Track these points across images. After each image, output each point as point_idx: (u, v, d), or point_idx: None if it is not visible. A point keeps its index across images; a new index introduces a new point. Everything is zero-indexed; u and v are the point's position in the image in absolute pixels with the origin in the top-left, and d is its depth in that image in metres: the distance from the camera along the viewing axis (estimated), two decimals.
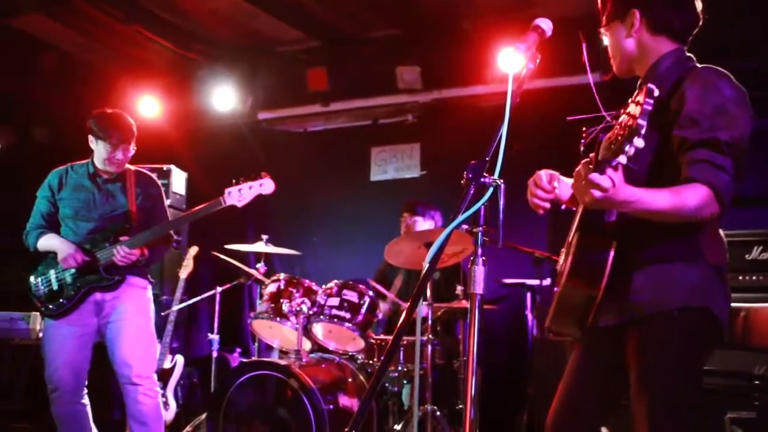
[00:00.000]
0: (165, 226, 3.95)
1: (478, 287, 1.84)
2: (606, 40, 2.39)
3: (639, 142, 1.71)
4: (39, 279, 3.98)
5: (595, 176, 1.76)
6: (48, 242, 3.98)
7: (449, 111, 6.08)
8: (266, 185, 3.90)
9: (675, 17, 2.26)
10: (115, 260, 3.82)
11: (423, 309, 4.21)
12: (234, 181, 3.90)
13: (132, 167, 4.17)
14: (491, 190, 1.85)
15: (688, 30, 2.29)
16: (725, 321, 2.15)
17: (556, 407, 2.34)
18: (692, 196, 1.97)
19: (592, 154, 2.08)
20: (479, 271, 1.85)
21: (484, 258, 1.86)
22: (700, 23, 2.29)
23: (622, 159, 1.73)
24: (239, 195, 3.86)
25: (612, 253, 2.09)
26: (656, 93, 1.75)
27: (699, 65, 2.23)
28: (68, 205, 4.03)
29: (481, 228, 1.86)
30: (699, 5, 2.28)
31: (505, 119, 2.00)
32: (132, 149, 4.01)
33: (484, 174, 1.87)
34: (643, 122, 1.70)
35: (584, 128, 2.29)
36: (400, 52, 6.14)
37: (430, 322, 4.27)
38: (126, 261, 3.83)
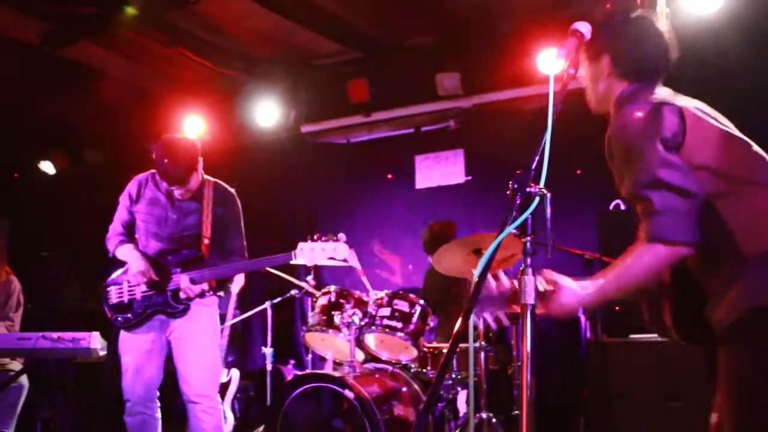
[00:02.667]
0: (228, 270, 3.90)
1: (529, 297, 1.84)
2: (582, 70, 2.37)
3: None
4: (113, 288, 3.99)
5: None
6: (125, 253, 3.96)
7: (491, 115, 6.07)
8: (340, 250, 3.68)
9: (642, 60, 2.26)
10: (180, 293, 3.82)
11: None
12: (310, 237, 3.70)
13: (210, 179, 4.07)
14: (537, 199, 1.84)
15: (656, 70, 2.26)
16: None
17: None
18: (640, 264, 2.01)
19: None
20: (529, 281, 1.84)
21: (533, 268, 1.86)
22: (672, 56, 2.27)
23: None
24: (311, 254, 3.67)
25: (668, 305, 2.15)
26: None
27: (625, 101, 2.21)
28: (142, 218, 4.01)
29: (529, 238, 1.85)
30: (666, 41, 2.27)
31: (549, 126, 1.98)
32: (191, 181, 3.90)
33: (530, 183, 1.86)
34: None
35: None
36: (439, 59, 6.16)
37: (482, 328, 4.26)
38: (188, 294, 3.81)
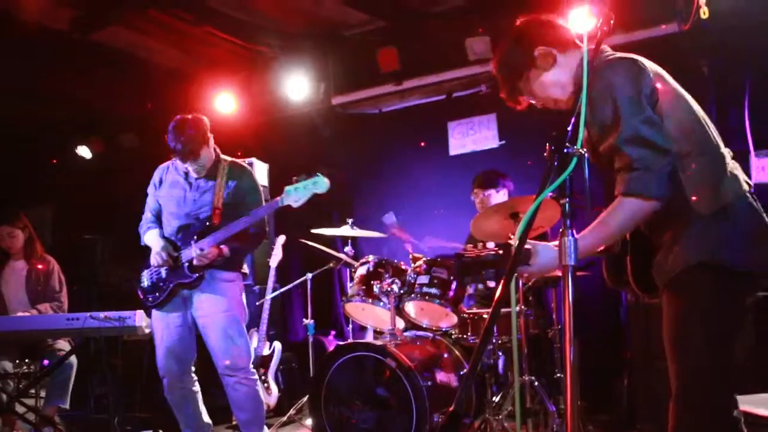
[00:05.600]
0: (230, 228, 3.95)
1: (570, 258, 1.82)
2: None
3: None
4: (145, 272, 4.23)
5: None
6: (149, 239, 4.23)
7: None
8: (320, 184, 3.85)
9: (562, 28, 2.42)
10: (194, 262, 3.99)
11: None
12: (294, 178, 3.90)
13: (227, 158, 4.26)
14: (575, 160, 1.82)
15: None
16: (744, 264, 2.11)
17: None
18: (615, 217, 2.13)
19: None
20: (570, 243, 1.82)
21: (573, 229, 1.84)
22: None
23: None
24: (296, 194, 3.85)
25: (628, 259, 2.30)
26: None
27: (604, 60, 2.26)
28: (164, 202, 4.25)
29: (567, 199, 1.84)
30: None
31: (584, 86, 1.95)
32: (203, 155, 4.08)
33: (567, 144, 1.83)
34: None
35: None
36: (468, 24, 6.06)
37: (521, 292, 4.26)
38: (202, 261, 3.96)
